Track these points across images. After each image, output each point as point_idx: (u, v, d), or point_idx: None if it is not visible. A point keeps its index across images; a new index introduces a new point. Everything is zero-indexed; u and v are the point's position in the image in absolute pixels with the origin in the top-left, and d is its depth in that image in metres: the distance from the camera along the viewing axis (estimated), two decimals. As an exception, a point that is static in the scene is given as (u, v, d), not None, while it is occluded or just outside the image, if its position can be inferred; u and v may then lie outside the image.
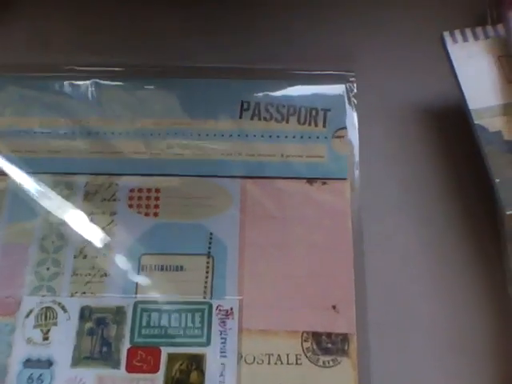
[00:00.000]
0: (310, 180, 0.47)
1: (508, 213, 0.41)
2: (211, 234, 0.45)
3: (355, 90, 0.51)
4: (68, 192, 0.47)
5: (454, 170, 0.49)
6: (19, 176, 0.48)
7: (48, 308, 0.43)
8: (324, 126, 0.49)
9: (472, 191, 0.48)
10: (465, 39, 0.47)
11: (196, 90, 0.51)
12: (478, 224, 0.47)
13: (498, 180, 0.42)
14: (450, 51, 0.47)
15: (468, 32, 0.47)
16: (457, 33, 0.47)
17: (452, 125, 0.49)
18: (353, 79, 0.51)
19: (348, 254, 0.45)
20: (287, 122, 0.50)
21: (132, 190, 0.47)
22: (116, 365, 0.41)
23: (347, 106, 0.50)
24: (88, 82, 0.51)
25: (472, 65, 0.46)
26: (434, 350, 0.42)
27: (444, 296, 0.44)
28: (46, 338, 0.42)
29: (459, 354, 0.42)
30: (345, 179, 0.47)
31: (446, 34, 0.47)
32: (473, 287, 0.44)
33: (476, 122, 0.44)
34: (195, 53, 0.52)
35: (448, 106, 0.50)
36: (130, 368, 0.41)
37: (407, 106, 0.51)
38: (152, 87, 0.51)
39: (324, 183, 0.47)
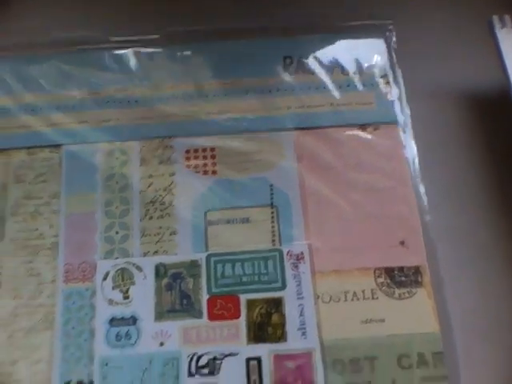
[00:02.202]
0: (362, 126, 0.52)
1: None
2: (271, 185, 0.49)
3: (394, 39, 0.55)
4: (125, 158, 0.51)
5: (495, 156, 0.53)
6: (73, 147, 0.52)
7: (123, 269, 0.47)
8: (368, 73, 0.53)
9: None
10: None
11: (239, 50, 0.55)
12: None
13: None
14: (497, 35, 0.50)
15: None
16: (506, 18, 0.51)
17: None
18: (391, 27, 0.55)
19: (409, 193, 0.49)
20: (332, 73, 0.54)
21: (188, 151, 0.51)
22: (198, 315, 0.45)
23: (388, 53, 0.54)
24: (128, 51, 0.55)
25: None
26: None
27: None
28: (126, 297, 0.46)
29: None
30: (395, 123, 0.51)
31: (495, 19, 0.51)
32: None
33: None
34: (235, 14, 0.56)
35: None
36: (212, 317, 0.45)
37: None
38: (194, 51, 0.55)
39: (376, 128, 0.51)
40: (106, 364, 0.44)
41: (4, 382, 0.44)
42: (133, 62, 0.54)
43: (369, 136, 0.50)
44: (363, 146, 0.50)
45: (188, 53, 0.54)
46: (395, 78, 0.53)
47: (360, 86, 0.53)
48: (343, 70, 0.53)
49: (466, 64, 0.54)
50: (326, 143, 0.50)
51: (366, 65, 0.53)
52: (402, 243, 0.46)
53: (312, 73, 0.53)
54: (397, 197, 0.48)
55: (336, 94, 0.52)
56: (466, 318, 0.45)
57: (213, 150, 0.50)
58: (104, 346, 0.44)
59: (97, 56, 0.54)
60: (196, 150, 0.51)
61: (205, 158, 0.50)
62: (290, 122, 0.51)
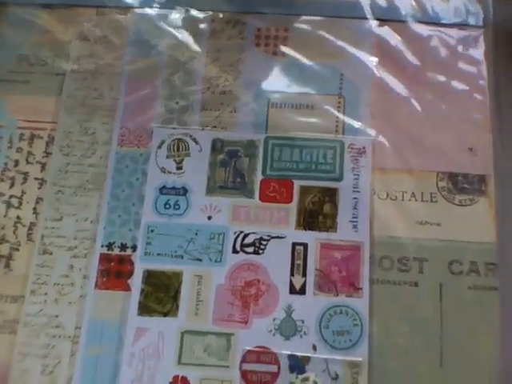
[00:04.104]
0: (447, 25, 0.50)
1: None
2: (342, 74, 0.49)
3: None
4: (193, 29, 0.51)
5: None
6: (142, 11, 0.51)
7: (180, 140, 0.47)
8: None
9: None
10: None
11: None
12: None
13: None
14: None
15: None
16: None
17: None
18: None
19: (484, 100, 0.48)
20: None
21: (259, 29, 0.50)
22: (250, 194, 0.46)
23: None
24: None
25: None
26: None
27: None
28: (179, 168, 0.47)
29: None
30: (481, 27, 0.50)
31: None
32: None
33: None
34: None
35: None
36: (264, 198, 0.46)
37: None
38: None
39: (461, 29, 0.50)
40: (152, 230, 0.45)
41: (48, 236, 0.45)
42: None
43: (452, 36, 0.49)
44: (445, 46, 0.49)
45: None
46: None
47: (450, -17, 0.50)
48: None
49: None
50: (407, 38, 0.50)
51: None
52: (471, 150, 0.46)
53: (400, -38, 0.51)
54: (472, 102, 0.47)
55: (424, -12, 0.50)
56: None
57: (286, 30, 0.50)
58: (151, 213, 0.45)
59: None
60: (268, 29, 0.50)
61: (276, 38, 0.50)
62: (371, 11, 0.50)
